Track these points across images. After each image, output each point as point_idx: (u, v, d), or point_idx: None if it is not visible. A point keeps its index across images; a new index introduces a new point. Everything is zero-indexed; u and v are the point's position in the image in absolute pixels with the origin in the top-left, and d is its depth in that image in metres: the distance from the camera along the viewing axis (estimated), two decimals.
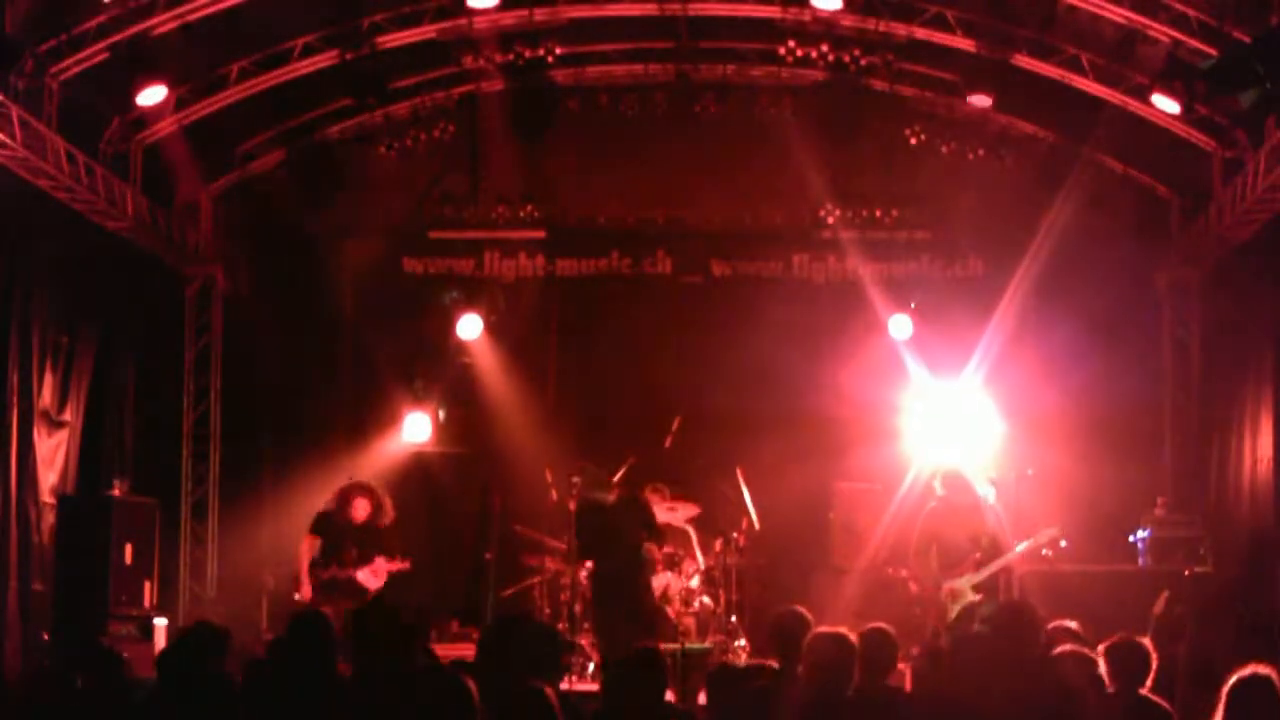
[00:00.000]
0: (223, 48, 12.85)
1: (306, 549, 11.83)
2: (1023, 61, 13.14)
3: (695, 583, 12.99)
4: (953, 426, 13.97)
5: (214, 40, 12.44)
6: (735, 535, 13.25)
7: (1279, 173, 11.45)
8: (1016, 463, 13.34)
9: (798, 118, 14.67)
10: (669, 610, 12.63)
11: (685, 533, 13.40)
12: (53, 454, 12.59)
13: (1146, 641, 7.13)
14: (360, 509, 11.92)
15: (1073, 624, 7.73)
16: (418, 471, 15.07)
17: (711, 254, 15.06)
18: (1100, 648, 7.03)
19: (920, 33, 13.16)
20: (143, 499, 13.22)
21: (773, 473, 13.94)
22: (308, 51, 13.32)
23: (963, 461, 12.46)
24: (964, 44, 13.10)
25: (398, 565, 11.98)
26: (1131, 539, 13.23)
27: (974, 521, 11.33)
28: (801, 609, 8.01)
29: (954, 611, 11.14)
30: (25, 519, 12.00)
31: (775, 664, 7.39)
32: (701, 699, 8.32)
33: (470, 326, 14.90)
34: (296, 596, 11.71)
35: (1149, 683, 6.96)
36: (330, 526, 11.91)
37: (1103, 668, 6.89)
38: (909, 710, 6.90)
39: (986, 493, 12.13)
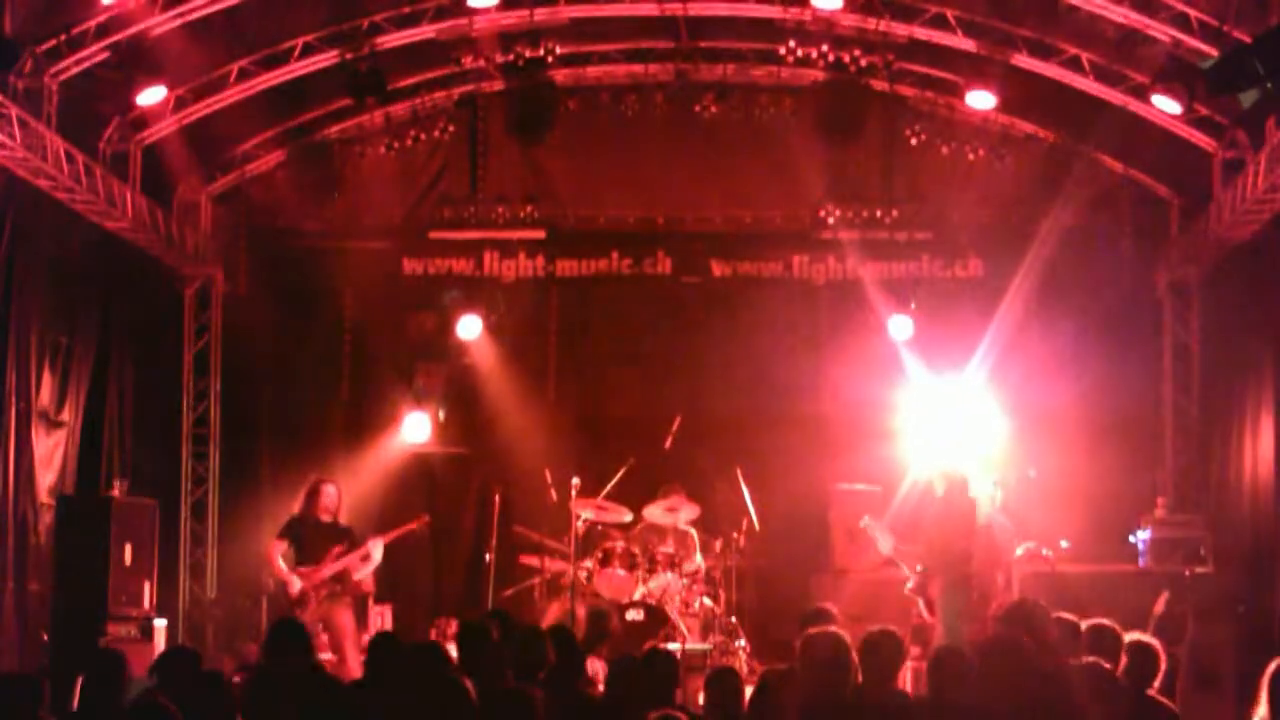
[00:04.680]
0: (223, 48, 12.84)
1: (280, 554, 11.80)
2: (1023, 61, 13.13)
3: (695, 583, 12.98)
4: (953, 427, 13.96)
5: (214, 40, 12.43)
6: (735, 536, 13.25)
7: (1279, 173, 11.45)
8: (1018, 463, 13.33)
9: (798, 118, 14.67)
10: (669, 610, 12.62)
11: (687, 534, 13.40)
12: (51, 454, 12.58)
13: (1156, 642, 7.13)
14: (325, 509, 11.94)
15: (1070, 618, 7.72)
16: (418, 471, 15.07)
17: (711, 254, 15.04)
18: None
19: (920, 33, 13.15)
20: (142, 499, 13.20)
21: (773, 473, 13.94)
22: (308, 51, 13.31)
23: (964, 463, 12.46)
24: (964, 44, 13.09)
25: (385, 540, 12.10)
26: (1132, 539, 13.23)
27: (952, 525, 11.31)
28: (829, 606, 8.05)
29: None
30: (22, 519, 11.98)
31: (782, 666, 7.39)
32: (701, 700, 8.31)
33: (470, 326, 14.89)
34: (296, 593, 11.66)
35: (1156, 683, 6.98)
36: (298, 529, 11.91)
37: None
38: (912, 715, 6.87)
39: (989, 494, 12.13)
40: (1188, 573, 11.85)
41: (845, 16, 13.05)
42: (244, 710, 6.31)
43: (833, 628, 7.13)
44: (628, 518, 13.31)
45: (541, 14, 13.29)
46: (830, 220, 14.79)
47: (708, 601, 12.96)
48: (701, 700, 7.25)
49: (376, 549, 11.94)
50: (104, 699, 6.47)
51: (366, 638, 12.66)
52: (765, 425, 14.49)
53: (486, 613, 11.18)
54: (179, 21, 11.95)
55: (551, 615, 12.66)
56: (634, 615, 12.24)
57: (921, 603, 11.42)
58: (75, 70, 11.89)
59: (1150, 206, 14.66)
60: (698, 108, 14.74)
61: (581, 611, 12.26)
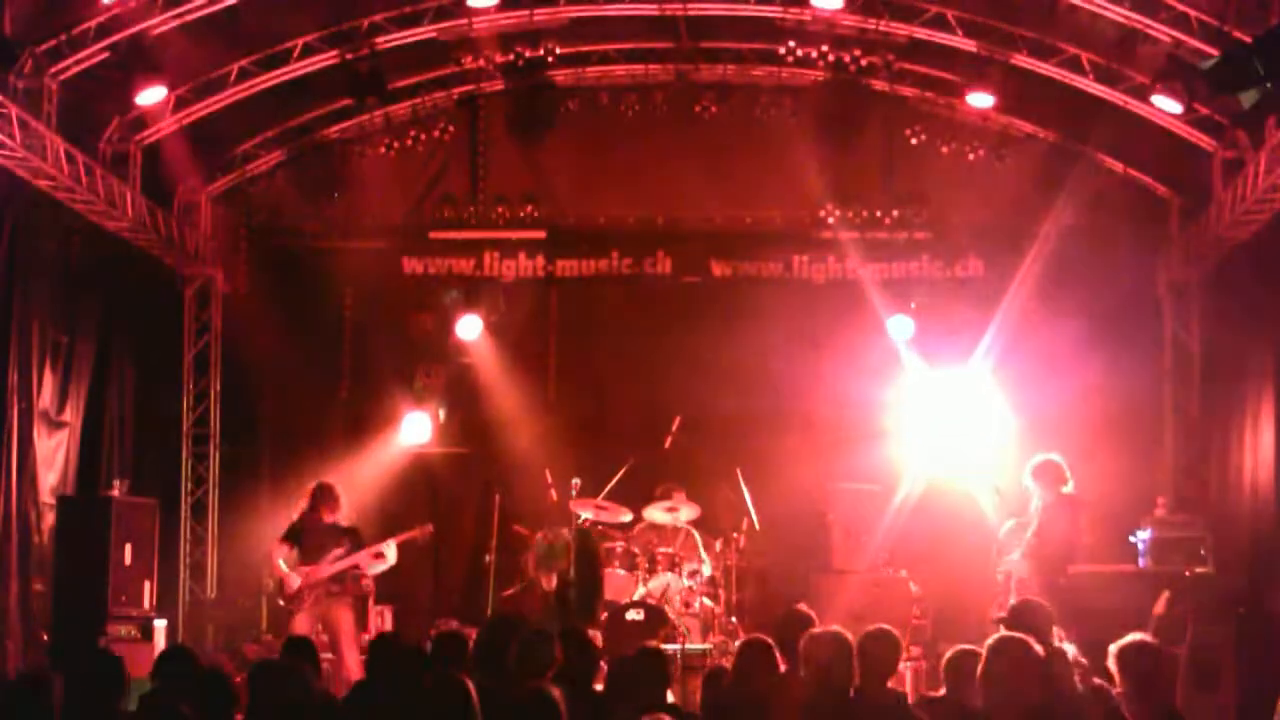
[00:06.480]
0: (223, 48, 12.84)
1: (282, 555, 11.79)
2: (1023, 61, 13.13)
3: (695, 583, 12.98)
4: (952, 428, 13.96)
5: (214, 40, 12.43)
6: (735, 536, 13.26)
7: (1279, 173, 11.45)
8: (1017, 465, 13.31)
9: (798, 118, 14.67)
10: (669, 610, 12.62)
11: (688, 534, 13.40)
12: (52, 454, 12.59)
13: (1156, 643, 7.12)
14: (329, 510, 11.94)
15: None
16: (418, 471, 15.06)
17: (711, 254, 15.04)
18: (1112, 649, 7.01)
19: (920, 33, 13.16)
20: (142, 499, 13.20)
21: (773, 473, 13.92)
22: (308, 51, 13.32)
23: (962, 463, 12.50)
24: (964, 44, 13.09)
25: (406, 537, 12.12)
26: (1132, 539, 13.22)
27: None
28: (804, 608, 8.02)
29: None
30: (25, 519, 12.00)
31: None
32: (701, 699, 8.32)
33: (470, 326, 14.89)
34: (292, 590, 11.65)
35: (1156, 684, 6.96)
36: (302, 530, 11.91)
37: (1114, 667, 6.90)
38: (909, 714, 6.87)
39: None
40: (1188, 573, 11.83)
41: (845, 16, 13.05)
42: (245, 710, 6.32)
43: (835, 627, 7.13)
44: (628, 518, 13.30)
45: (541, 14, 13.31)
46: (830, 220, 14.80)
47: (708, 601, 12.95)
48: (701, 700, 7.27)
49: (390, 549, 11.95)
50: (103, 703, 6.47)
51: (366, 638, 12.71)
52: (765, 425, 14.48)
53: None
54: (179, 21, 11.95)
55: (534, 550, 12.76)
56: (634, 615, 12.23)
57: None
58: (75, 70, 11.89)
59: (1150, 206, 14.65)
60: (698, 108, 14.75)
61: (567, 534, 12.39)
